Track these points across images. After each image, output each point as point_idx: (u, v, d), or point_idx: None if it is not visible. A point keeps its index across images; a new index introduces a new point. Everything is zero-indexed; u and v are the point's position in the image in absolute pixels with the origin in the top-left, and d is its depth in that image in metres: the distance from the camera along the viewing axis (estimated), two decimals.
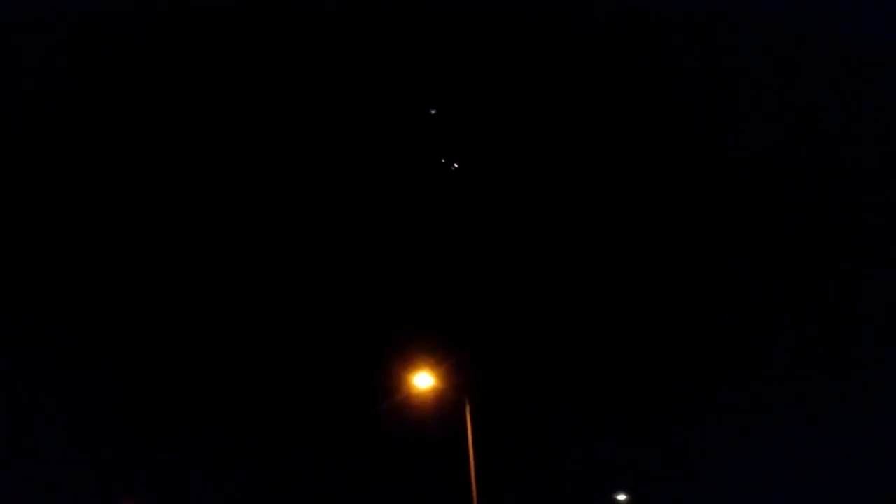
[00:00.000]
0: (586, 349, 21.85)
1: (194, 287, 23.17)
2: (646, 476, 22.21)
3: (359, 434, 20.79)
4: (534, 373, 21.31)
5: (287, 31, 19.96)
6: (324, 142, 21.57)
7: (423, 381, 15.42)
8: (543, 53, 19.51)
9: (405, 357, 16.17)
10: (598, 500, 21.86)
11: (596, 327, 21.84)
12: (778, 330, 20.57)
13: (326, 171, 21.95)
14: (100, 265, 22.47)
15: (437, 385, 15.48)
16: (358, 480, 22.09)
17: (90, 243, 22.21)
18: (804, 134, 18.85)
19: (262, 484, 22.59)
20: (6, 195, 20.22)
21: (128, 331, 22.85)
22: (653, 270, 21.74)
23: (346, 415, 21.17)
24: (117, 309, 22.54)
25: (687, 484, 22.12)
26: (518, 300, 21.71)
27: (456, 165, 19.79)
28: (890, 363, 19.00)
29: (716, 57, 18.34)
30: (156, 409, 22.63)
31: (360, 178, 21.80)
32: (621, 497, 22.02)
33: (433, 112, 19.50)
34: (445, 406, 15.94)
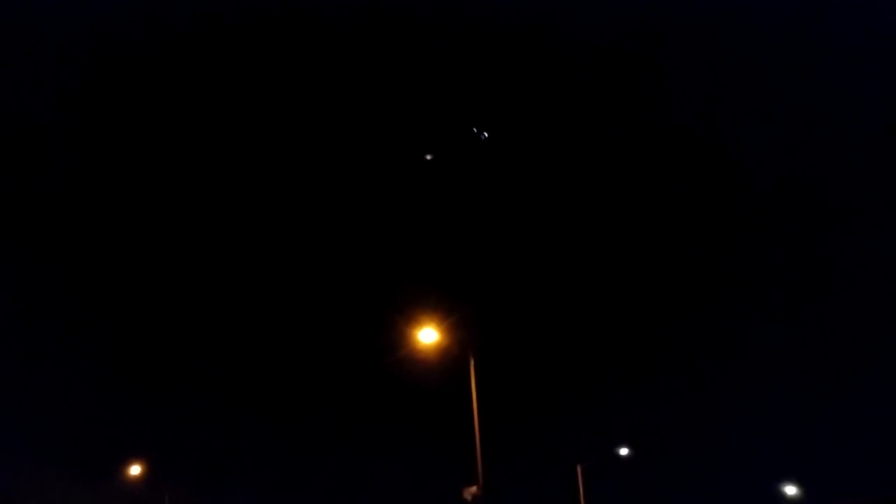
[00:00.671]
0: (588, 305, 21.98)
1: (203, 245, 23.32)
2: (647, 430, 22.51)
3: (364, 389, 21.07)
4: (536, 328, 21.48)
5: (287, 30, 19.83)
6: (330, 114, 21.52)
7: (428, 335, 15.58)
8: (542, 51, 19.39)
9: (409, 313, 16.32)
10: (600, 454, 22.16)
11: (599, 284, 21.95)
12: (777, 308, 20.73)
13: (332, 138, 21.92)
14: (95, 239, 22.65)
15: (442, 340, 15.63)
16: (363, 436, 22.45)
17: (92, 241, 22.40)
18: (804, 134, 18.75)
19: (267, 442, 22.96)
20: (11, 191, 20.38)
21: (131, 293, 23.08)
22: (657, 235, 21.79)
23: (351, 370, 21.43)
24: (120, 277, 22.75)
25: (687, 438, 22.45)
26: (520, 257, 21.80)
27: (486, 135, 19.84)
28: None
29: (715, 57, 18.20)
30: (161, 362, 22.94)
31: (366, 143, 21.77)
32: (623, 451, 22.31)
33: (429, 157, 19.92)
34: (450, 360, 16.12)
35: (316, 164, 22.41)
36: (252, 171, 22.48)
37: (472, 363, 15.86)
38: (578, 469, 20.46)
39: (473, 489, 14.36)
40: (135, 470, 20.43)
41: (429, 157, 19.96)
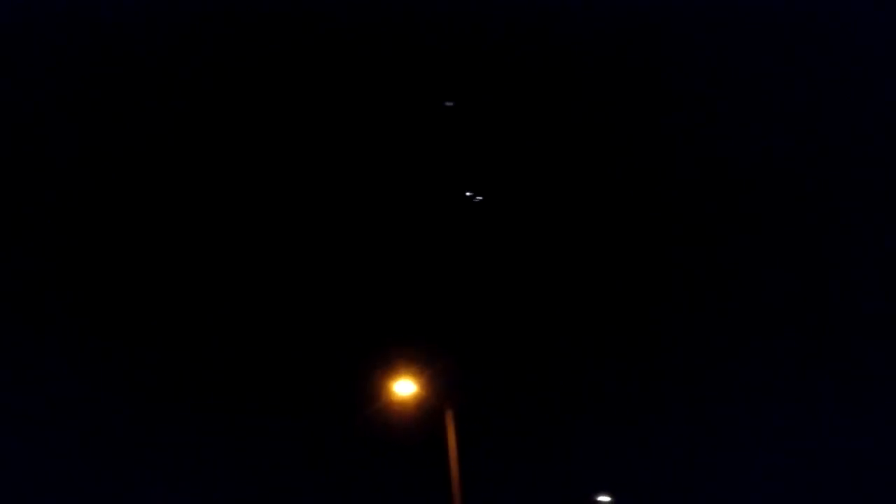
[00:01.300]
0: (570, 354, 21.75)
1: (177, 292, 22.86)
2: (630, 480, 22.17)
3: (339, 441, 20.56)
4: (517, 379, 21.17)
5: (286, 31, 19.76)
6: (303, 156, 21.38)
7: (405, 388, 15.30)
8: (541, 50, 19.39)
9: (386, 364, 16.03)
10: (582, 502, 21.82)
11: (580, 332, 21.74)
12: (768, 334, 20.54)
13: (308, 179, 21.76)
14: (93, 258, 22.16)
15: (419, 392, 15.36)
16: (338, 488, 21.85)
17: (89, 243, 21.92)
18: (805, 134, 18.83)
19: (239, 491, 22.29)
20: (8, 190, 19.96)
21: (109, 333, 22.50)
22: (638, 272, 21.68)
23: (326, 422, 20.93)
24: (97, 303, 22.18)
25: (671, 487, 22.10)
26: (500, 306, 21.56)
27: (479, 198, 19.73)
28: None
29: (716, 57, 18.33)
30: (133, 419, 22.25)
31: (342, 185, 21.61)
32: (604, 499, 21.99)
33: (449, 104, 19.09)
34: (427, 413, 15.82)
35: (293, 209, 22.18)
36: (229, 218, 22.18)
37: (449, 416, 15.57)
38: None
39: None
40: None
41: (449, 104, 19.22)
